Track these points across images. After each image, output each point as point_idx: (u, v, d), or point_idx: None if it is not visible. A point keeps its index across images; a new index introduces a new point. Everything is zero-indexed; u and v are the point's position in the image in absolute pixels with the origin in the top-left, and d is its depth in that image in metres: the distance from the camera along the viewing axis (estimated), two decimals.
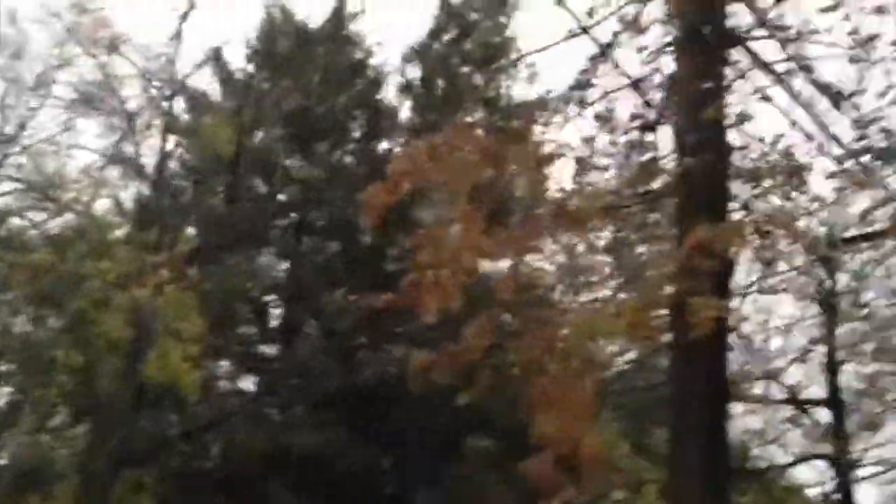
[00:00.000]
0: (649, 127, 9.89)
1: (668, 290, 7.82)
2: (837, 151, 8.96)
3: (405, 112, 22.28)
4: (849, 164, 9.98)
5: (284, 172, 21.06)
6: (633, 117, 9.63)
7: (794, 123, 8.52)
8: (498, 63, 21.46)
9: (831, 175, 10.22)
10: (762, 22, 8.63)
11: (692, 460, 7.47)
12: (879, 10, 9.05)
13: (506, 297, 9.81)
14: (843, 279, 12.66)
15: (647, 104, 10.14)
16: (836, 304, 12.74)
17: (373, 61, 22.29)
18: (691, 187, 8.23)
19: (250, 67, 21.97)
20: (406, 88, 21.95)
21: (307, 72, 21.38)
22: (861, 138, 9.57)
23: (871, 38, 9.03)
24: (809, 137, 8.54)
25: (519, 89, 20.01)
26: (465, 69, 21.77)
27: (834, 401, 13.18)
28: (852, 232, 11.43)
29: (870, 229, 11.02)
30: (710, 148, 8.18)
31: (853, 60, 9.26)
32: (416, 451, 18.37)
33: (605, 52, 10.31)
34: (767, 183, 8.02)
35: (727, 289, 8.07)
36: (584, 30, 10.32)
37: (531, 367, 9.62)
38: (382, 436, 18.64)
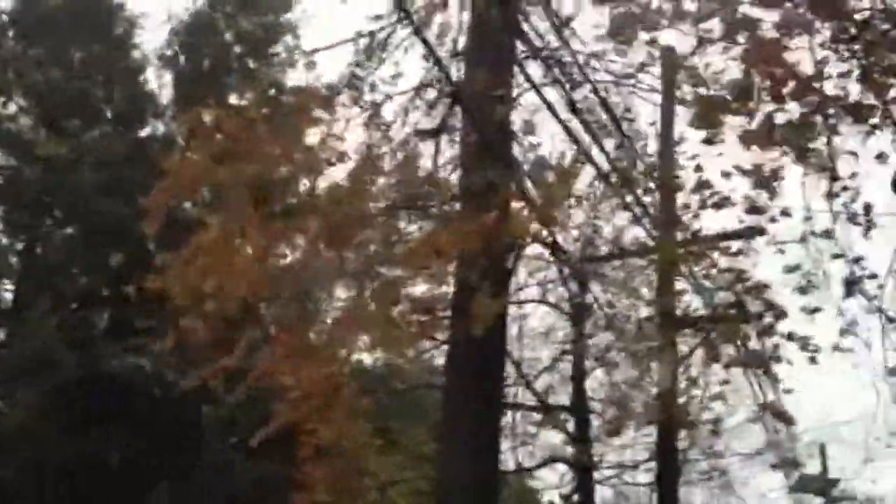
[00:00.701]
0: (430, 134, 9.94)
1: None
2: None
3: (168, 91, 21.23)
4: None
5: (28, 148, 19.45)
6: (416, 130, 9.65)
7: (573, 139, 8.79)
8: (273, 47, 21.04)
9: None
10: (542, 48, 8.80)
11: (463, 461, 7.54)
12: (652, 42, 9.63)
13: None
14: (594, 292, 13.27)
15: (431, 109, 10.20)
16: (586, 316, 13.36)
17: (139, 37, 21.05)
18: (475, 202, 8.23)
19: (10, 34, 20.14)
20: (170, 64, 20.87)
21: (64, 43, 19.84)
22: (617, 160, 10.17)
23: (643, 66, 9.57)
24: (589, 159, 8.87)
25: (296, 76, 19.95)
26: (238, 49, 21.13)
27: (578, 407, 13.85)
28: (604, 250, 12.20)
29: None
30: (495, 160, 8.21)
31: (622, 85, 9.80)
32: (159, 445, 17.65)
33: (385, 52, 10.30)
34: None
35: (506, 290, 8.19)
36: (371, 33, 10.26)
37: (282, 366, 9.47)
38: (121, 428, 17.75)
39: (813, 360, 10.67)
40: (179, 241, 8.93)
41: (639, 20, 8.37)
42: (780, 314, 11.07)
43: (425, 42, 8.11)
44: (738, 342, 11.65)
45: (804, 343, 10.84)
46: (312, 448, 10.31)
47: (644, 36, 8.82)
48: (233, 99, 20.98)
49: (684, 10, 8.08)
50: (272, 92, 19.88)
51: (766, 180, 7.91)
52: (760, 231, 10.44)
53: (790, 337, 11.06)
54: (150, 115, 20.99)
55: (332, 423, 9.61)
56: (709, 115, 7.45)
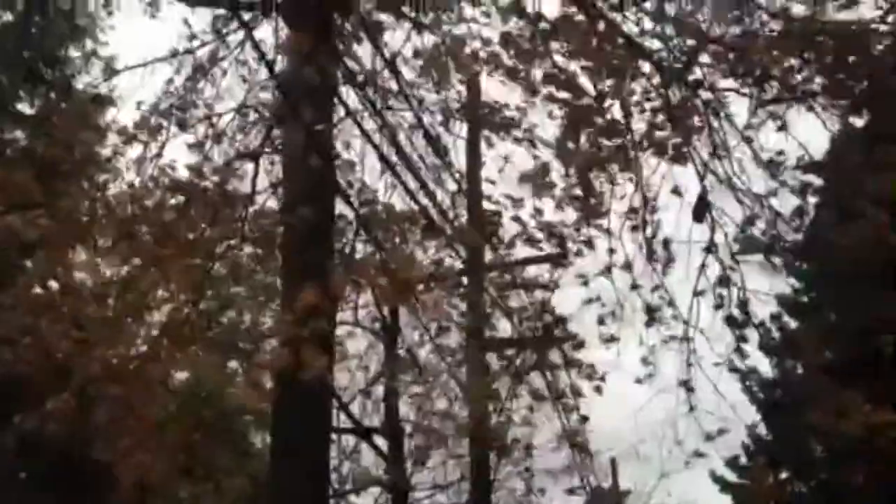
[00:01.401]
0: (249, 157, 9.88)
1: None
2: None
3: None
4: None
5: None
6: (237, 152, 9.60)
7: (392, 170, 9.00)
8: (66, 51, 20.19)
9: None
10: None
11: (296, 485, 7.54)
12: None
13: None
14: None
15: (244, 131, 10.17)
16: (398, 339, 13.62)
17: None
18: (296, 241, 8.24)
19: None
20: None
21: None
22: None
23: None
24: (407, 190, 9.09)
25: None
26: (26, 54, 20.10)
27: (392, 430, 14.03)
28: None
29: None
30: (317, 196, 8.22)
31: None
32: None
33: (207, 73, 10.22)
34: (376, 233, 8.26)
35: (332, 346, 8.25)
36: (189, 51, 10.15)
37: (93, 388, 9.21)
38: None
39: (598, 390, 11.36)
40: None
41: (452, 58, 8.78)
42: (579, 344, 11.71)
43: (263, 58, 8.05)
44: (544, 368, 12.25)
45: (590, 373, 11.52)
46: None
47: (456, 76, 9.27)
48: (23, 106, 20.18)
49: (500, 59, 8.57)
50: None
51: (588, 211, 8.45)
52: (563, 255, 11.06)
53: (571, 364, 11.73)
54: None
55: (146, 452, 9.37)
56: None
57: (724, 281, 9.51)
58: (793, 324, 18.96)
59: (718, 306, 9.50)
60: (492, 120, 9.78)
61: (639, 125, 8.60)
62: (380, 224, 8.22)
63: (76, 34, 20.32)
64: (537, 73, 8.63)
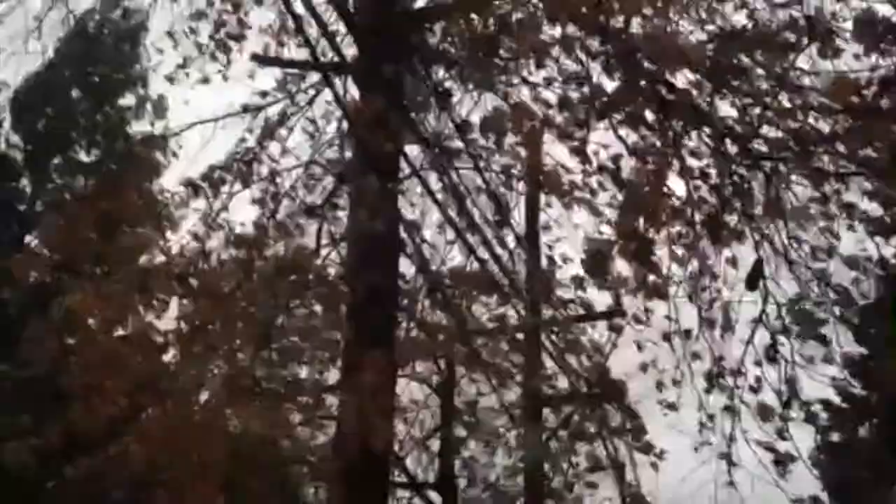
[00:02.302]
0: (313, 214, 10.08)
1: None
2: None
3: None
4: None
5: None
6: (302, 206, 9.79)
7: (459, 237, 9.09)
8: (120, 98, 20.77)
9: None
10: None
11: None
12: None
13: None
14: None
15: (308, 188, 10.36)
16: (455, 392, 13.63)
17: None
18: (360, 299, 8.33)
19: None
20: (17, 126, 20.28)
21: None
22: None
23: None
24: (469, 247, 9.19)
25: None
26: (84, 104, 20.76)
27: (446, 486, 13.99)
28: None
29: None
30: (383, 253, 8.36)
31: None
32: None
33: (273, 131, 10.47)
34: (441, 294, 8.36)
35: (392, 415, 8.33)
36: (259, 108, 10.42)
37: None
38: None
39: (654, 467, 11.20)
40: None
41: (509, 119, 8.89)
42: (637, 422, 11.53)
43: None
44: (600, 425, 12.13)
45: (647, 448, 11.36)
46: None
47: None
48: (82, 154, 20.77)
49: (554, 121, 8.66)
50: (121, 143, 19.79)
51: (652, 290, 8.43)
52: (622, 313, 11.01)
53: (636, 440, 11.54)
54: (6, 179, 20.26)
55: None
56: (597, 261, 8.05)
57: (771, 355, 9.34)
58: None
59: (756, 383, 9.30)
60: (551, 182, 9.84)
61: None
62: (445, 286, 8.30)
63: (133, 83, 20.99)
64: (593, 140, 8.69)
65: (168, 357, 10.13)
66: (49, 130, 20.22)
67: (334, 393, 8.80)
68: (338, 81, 9.99)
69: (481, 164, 9.42)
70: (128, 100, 21.21)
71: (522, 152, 10.05)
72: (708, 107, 8.40)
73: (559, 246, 10.43)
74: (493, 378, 10.64)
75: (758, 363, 9.35)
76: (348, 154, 9.97)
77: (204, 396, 10.19)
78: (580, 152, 8.58)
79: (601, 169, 8.50)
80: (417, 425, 14.64)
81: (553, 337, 11.88)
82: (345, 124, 9.88)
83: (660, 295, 8.57)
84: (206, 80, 10.26)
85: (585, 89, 8.61)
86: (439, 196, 9.36)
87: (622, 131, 8.44)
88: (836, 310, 9.38)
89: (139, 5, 12.18)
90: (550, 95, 8.82)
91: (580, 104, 8.66)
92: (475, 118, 9.11)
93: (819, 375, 9.34)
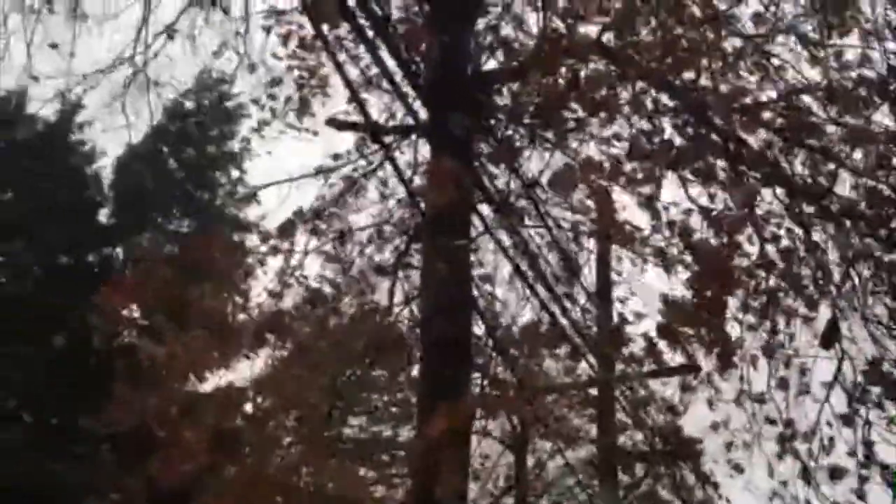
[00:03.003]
0: (385, 272, 10.19)
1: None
2: None
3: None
4: None
5: None
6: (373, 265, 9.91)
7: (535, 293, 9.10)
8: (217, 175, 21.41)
9: None
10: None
11: None
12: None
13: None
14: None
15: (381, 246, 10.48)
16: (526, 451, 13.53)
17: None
18: (433, 356, 8.31)
19: None
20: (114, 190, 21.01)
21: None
22: None
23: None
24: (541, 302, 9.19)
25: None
26: (180, 175, 21.39)
27: None
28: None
29: None
30: (455, 311, 8.34)
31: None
32: None
33: (346, 192, 10.65)
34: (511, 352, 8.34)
35: (467, 458, 8.28)
36: (331, 170, 10.62)
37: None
38: None
39: None
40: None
41: (577, 175, 8.87)
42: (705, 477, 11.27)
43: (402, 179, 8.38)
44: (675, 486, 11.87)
45: None
46: None
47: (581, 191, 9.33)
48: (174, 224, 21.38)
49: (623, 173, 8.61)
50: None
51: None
52: (697, 368, 10.81)
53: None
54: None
55: None
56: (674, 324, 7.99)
57: (848, 417, 9.04)
58: None
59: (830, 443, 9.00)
60: (621, 236, 9.77)
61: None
62: (515, 343, 8.27)
63: (225, 160, 21.63)
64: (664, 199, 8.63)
65: (246, 412, 10.30)
66: (144, 201, 20.84)
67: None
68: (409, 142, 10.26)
69: (550, 221, 9.43)
70: (222, 176, 21.96)
71: (592, 208, 10.05)
72: (781, 163, 8.32)
73: (631, 302, 10.33)
74: (560, 438, 10.53)
75: (829, 424, 9.10)
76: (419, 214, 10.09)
77: (281, 452, 10.31)
78: (650, 207, 8.53)
79: (671, 225, 8.44)
80: (491, 483, 14.51)
81: (627, 392, 11.76)
82: (417, 183, 10.02)
83: (729, 360, 8.43)
84: (295, 128, 10.46)
85: (656, 141, 8.60)
86: (511, 253, 9.39)
87: (693, 190, 8.40)
88: None
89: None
90: (619, 151, 8.85)
91: (649, 158, 8.65)
92: (545, 176, 9.13)
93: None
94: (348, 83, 8.42)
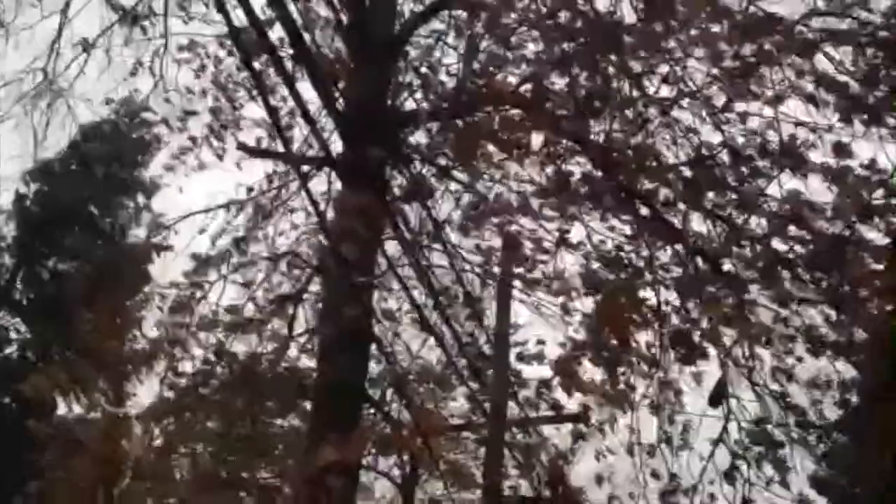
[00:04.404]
0: (291, 300, 9.97)
1: None
2: None
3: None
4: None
5: None
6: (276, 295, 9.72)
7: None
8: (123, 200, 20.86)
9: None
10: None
11: None
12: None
13: None
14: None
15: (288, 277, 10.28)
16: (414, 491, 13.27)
17: None
18: (327, 393, 8.19)
19: None
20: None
21: None
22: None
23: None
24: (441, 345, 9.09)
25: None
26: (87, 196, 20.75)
27: None
28: None
29: None
30: (353, 345, 8.21)
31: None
32: None
33: (256, 223, 10.47)
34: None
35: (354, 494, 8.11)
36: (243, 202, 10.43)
37: None
38: None
39: None
40: None
41: (490, 214, 8.89)
42: None
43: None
44: None
45: None
46: None
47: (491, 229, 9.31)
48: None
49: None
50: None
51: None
52: (586, 420, 10.84)
53: None
54: None
55: None
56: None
57: (730, 475, 9.18)
58: None
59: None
60: (522, 277, 9.74)
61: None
62: (411, 382, 8.17)
63: (132, 187, 21.09)
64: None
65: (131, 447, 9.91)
66: (47, 219, 20.11)
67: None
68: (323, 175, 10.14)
69: (456, 262, 9.40)
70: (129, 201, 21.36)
71: (497, 249, 10.00)
72: (682, 224, 8.47)
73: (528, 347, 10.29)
74: (454, 478, 10.40)
75: (710, 482, 9.20)
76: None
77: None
78: (560, 241, 8.55)
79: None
80: None
81: (518, 437, 11.68)
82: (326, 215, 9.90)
83: (623, 404, 8.48)
84: (202, 167, 10.27)
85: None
86: (414, 293, 9.31)
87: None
88: (795, 433, 9.29)
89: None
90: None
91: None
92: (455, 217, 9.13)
93: (778, 497, 9.23)
94: (272, 111, 8.28)
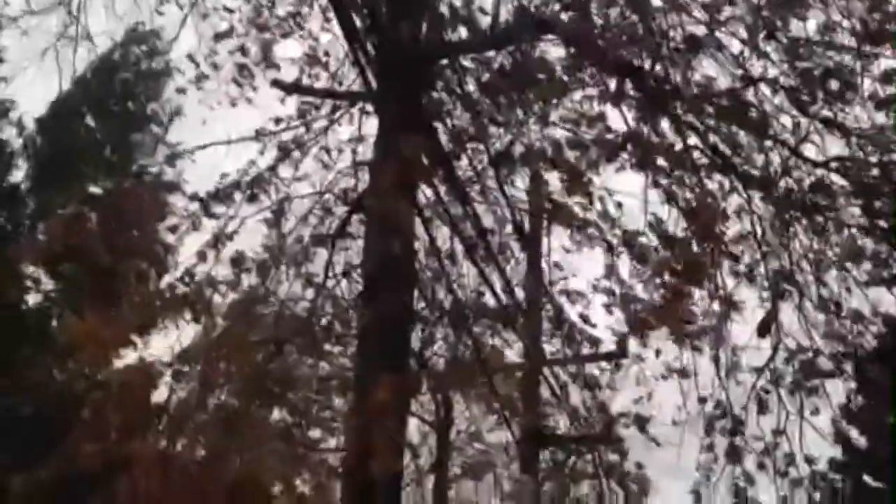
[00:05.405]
0: (324, 242, 9.71)
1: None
2: None
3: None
4: None
5: None
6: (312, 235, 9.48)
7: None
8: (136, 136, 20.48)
9: None
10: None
11: None
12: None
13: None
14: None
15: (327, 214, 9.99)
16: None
17: None
18: (374, 334, 8.00)
19: None
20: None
21: None
22: None
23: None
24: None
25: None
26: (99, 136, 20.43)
27: None
28: None
29: None
30: (398, 284, 8.00)
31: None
32: None
33: (286, 155, 10.12)
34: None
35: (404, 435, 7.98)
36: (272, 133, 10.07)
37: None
38: None
39: None
40: None
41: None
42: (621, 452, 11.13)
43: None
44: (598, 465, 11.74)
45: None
46: None
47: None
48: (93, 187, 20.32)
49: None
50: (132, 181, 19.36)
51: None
52: (623, 355, 10.67)
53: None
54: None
55: None
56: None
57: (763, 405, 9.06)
58: None
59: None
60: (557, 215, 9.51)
61: None
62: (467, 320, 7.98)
63: (149, 120, 20.72)
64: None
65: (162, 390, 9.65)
66: (58, 160, 19.77)
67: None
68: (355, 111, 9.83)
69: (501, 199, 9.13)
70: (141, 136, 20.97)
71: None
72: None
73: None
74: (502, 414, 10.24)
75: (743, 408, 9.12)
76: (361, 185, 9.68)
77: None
78: (586, 193, 8.35)
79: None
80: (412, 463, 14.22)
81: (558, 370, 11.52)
82: (360, 153, 9.63)
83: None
84: (233, 104, 9.89)
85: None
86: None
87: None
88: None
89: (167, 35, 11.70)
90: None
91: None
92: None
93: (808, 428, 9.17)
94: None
